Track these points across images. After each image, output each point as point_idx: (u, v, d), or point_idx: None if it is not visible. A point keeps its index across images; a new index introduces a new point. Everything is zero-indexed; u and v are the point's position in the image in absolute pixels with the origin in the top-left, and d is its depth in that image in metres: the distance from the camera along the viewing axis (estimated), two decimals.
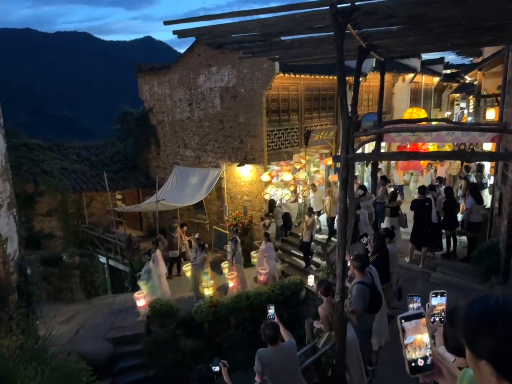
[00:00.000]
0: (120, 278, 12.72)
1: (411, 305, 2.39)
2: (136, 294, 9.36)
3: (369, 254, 6.44)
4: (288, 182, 12.99)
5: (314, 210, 12.52)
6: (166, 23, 4.51)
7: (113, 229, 13.71)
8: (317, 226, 12.30)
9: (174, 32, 4.81)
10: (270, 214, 12.37)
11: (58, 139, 18.76)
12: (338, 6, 3.89)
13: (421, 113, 13.52)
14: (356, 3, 3.87)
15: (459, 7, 4.15)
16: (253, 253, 11.78)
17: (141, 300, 9.27)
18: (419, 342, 1.33)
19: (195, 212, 14.55)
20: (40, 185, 13.74)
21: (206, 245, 10.61)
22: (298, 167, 13.38)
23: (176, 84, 14.40)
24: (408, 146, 12.02)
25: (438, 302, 1.85)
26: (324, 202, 12.06)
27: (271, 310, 4.29)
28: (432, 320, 1.85)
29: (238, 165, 12.55)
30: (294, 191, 13.22)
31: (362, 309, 4.99)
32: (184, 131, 14.59)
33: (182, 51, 15.27)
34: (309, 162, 14.57)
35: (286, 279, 9.47)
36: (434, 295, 1.86)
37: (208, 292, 9.64)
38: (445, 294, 1.87)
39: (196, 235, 11.08)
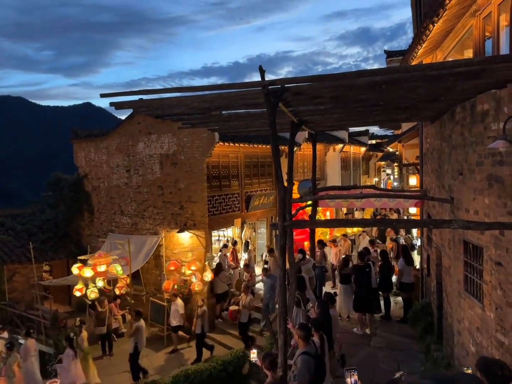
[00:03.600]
0: (44, 361, 11.22)
1: (348, 380, 2.35)
2: None
3: None
4: (90, 277, 10.79)
5: None
6: (103, 95, 4.55)
7: (37, 305, 12.37)
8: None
9: (111, 104, 4.86)
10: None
11: None
12: (270, 87, 4.23)
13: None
14: (286, 85, 4.23)
15: (376, 91, 4.68)
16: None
17: None
18: None
19: (130, 283, 13.65)
20: None
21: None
22: (114, 256, 11.28)
23: (114, 150, 14.23)
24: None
25: None
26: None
27: None
28: None
29: (178, 231, 12.26)
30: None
31: (307, 382, 4.82)
32: (120, 197, 14.19)
33: (123, 117, 15.34)
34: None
35: (228, 353, 8.97)
36: None
37: None
38: None
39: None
